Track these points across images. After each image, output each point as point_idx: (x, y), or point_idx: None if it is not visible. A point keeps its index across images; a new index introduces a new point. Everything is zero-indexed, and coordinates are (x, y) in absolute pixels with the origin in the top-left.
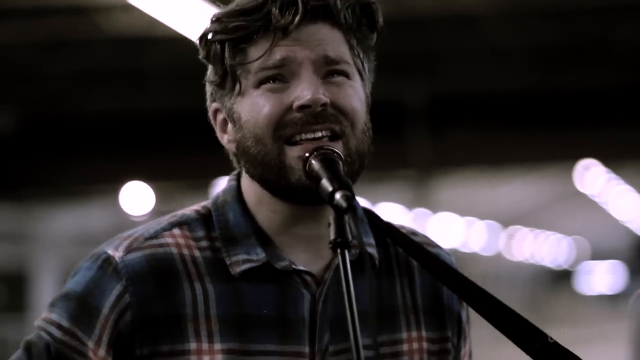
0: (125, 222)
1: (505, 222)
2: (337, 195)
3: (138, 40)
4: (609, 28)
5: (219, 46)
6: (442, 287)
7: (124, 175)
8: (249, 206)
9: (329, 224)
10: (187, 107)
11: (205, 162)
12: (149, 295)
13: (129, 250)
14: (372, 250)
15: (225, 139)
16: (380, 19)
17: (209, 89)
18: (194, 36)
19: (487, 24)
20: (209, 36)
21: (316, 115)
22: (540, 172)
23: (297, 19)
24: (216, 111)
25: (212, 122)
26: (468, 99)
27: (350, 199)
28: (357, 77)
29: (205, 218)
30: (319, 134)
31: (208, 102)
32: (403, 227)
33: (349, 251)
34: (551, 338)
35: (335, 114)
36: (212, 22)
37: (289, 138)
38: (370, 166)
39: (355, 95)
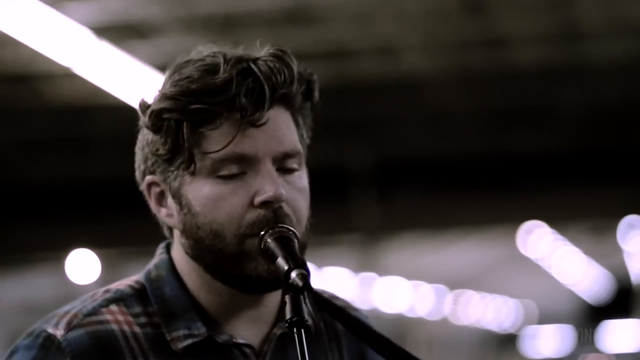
0: (71, 290)
1: (452, 285)
2: (293, 274)
3: (81, 108)
4: (552, 92)
5: (173, 124)
6: (366, 350)
7: (69, 243)
8: (184, 279)
9: (285, 303)
10: (131, 174)
11: (150, 229)
12: None
13: (69, 327)
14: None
15: (164, 212)
16: (317, 93)
17: (147, 158)
18: (137, 104)
19: (432, 89)
20: (162, 114)
21: (275, 212)
22: (487, 234)
23: (265, 110)
24: (152, 184)
25: (145, 192)
26: (413, 163)
27: (306, 277)
28: (303, 161)
29: (139, 293)
30: None
31: (142, 168)
32: (324, 291)
33: (305, 330)
34: None
35: (289, 214)
36: (165, 97)
37: (250, 235)
38: (315, 230)
39: (303, 191)
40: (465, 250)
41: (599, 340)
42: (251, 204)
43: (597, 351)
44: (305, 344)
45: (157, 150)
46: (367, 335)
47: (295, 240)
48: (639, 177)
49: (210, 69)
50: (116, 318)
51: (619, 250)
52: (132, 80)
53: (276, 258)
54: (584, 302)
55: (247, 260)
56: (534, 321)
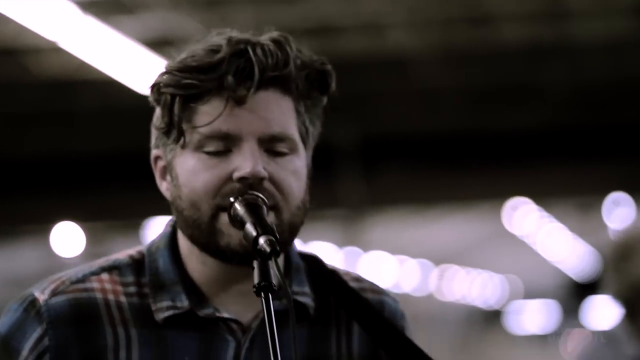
0: (56, 263)
1: (437, 261)
2: (261, 240)
3: (68, 82)
4: (537, 70)
5: (169, 97)
6: None
7: (55, 216)
8: (182, 254)
9: (253, 268)
10: (117, 148)
11: (136, 203)
12: (68, 340)
13: (53, 293)
14: (307, 299)
15: (164, 186)
16: (333, 83)
17: (154, 133)
18: (123, 79)
19: (417, 66)
20: (160, 88)
21: (251, 186)
22: (472, 210)
23: (252, 90)
24: (157, 158)
25: (153, 166)
26: (399, 139)
27: (274, 243)
28: (299, 148)
29: (137, 263)
30: None
31: (151, 146)
32: (348, 273)
33: (272, 294)
34: None
35: (271, 189)
36: (165, 72)
37: (225, 206)
38: None
39: (295, 173)
40: (450, 226)
41: (583, 317)
42: (230, 179)
43: (582, 327)
44: (295, 325)
45: (159, 124)
46: (369, 322)
47: (264, 207)
48: (624, 155)
49: (213, 50)
50: (103, 286)
51: (604, 227)
52: (118, 55)
53: (244, 224)
54: (569, 278)
55: (219, 235)
56: (519, 297)
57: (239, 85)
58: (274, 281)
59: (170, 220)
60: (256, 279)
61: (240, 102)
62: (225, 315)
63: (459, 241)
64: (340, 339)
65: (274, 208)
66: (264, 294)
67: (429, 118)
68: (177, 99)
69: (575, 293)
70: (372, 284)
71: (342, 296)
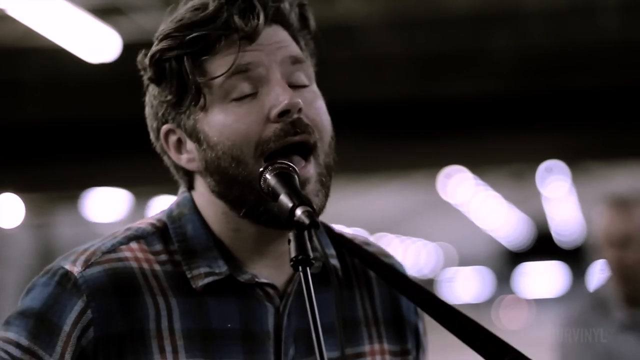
0: None
1: (372, 229)
2: (298, 212)
3: (13, 50)
4: (481, 37)
5: (175, 63)
6: (400, 299)
7: None
8: (207, 220)
9: (289, 241)
10: (60, 118)
11: (76, 174)
12: (111, 311)
13: (87, 265)
14: (334, 261)
15: (185, 159)
16: (313, 22)
17: (155, 109)
18: (70, 47)
19: (364, 33)
20: (162, 54)
21: (294, 124)
22: (408, 179)
23: (260, 24)
24: (168, 133)
25: (164, 144)
26: (340, 106)
27: (312, 214)
28: (313, 78)
29: (161, 231)
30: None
31: (154, 124)
32: (356, 237)
33: (310, 268)
34: (517, 351)
35: (310, 123)
36: (162, 39)
37: (272, 153)
38: None
39: (323, 105)
40: (385, 195)
41: (516, 284)
42: (268, 120)
43: (514, 295)
44: (338, 289)
45: (165, 97)
46: (398, 282)
47: (296, 175)
48: (559, 123)
49: (201, 7)
50: (136, 255)
51: (537, 195)
52: (65, 23)
53: (278, 195)
54: (503, 246)
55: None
56: (453, 265)
57: (246, 23)
58: (310, 254)
59: (182, 187)
60: (293, 253)
61: (252, 38)
62: (264, 280)
63: (394, 210)
64: (364, 302)
65: (314, 148)
66: (302, 268)
67: (373, 85)
68: (186, 58)
69: (508, 261)
70: (380, 247)
71: (364, 258)
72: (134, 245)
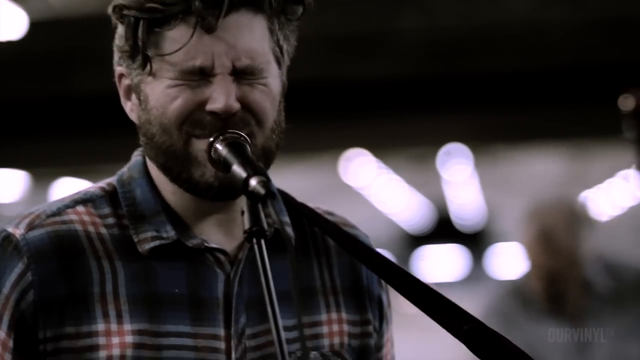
0: None
1: None
2: (253, 182)
3: None
4: (388, 18)
5: (132, 20)
6: (361, 269)
7: None
8: (157, 183)
9: (243, 212)
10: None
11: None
12: (53, 274)
13: (30, 227)
14: (289, 229)
15: (129, 106)
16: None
17: (116, 52)
18: None
19: None
20: (122, 10)
21: (225, 120)
22: (309, 162)
23: (222, 14)
24: (121, 75)
25: (117, 83)
26: None
27: (267, 184)
28: (273, 68)
29: (110, 195)
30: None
31: (114, 62)
32: (318, 207)
33: (264, 240)
34: (477, 319)
35: (244, 117)
36: None
37: (195, 135)
38: None
39: (268, 95)
40: (287, 178)
41: (415, 268)
42: (201, 107)
43: None
44: (294, 256)
45: (122, 47)
46: (358, 252)
47: (247, 145)
48: (465, 105)
49: None
50: (81, 218)
51: (438, 179)
52: None
53: (230, 165)
54: (403, 230)
55: (194, 165)
56: None
57: (207, 9)
58: (265, 225)
59: (137, 150)
60: (246, 224)
61: (209, 29)
62: (214, 245)
63: (295, 193)
64: (322, 271)
65: (249, 136)
66: (256, 240)
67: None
68: (142, 22)
69: (408, 244)
70: (343, 218)
71: (324, 227)
72: (80, 208)
